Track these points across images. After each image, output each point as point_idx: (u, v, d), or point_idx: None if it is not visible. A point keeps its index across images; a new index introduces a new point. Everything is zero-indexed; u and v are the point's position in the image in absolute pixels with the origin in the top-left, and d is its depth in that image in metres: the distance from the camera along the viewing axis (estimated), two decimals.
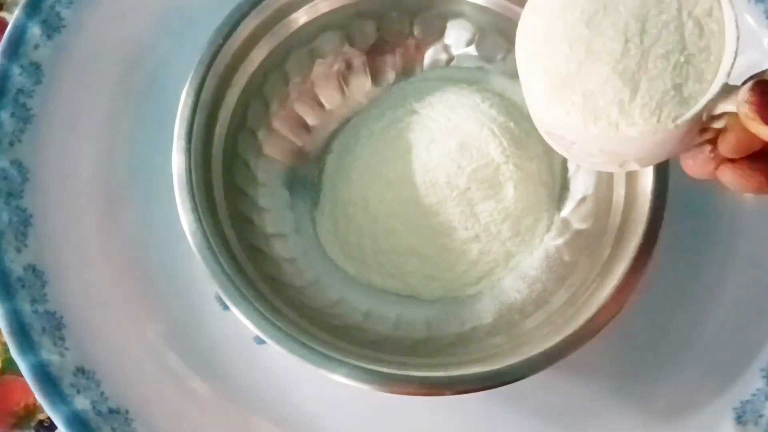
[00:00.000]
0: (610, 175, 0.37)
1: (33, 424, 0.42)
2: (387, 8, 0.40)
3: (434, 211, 0.38)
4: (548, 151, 0.38)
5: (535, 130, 0.31)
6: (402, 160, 0.39)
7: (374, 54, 0.42)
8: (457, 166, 0.38)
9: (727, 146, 0.27)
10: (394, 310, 0.39)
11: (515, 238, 0.39)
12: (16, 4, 0.43)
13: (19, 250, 0.39)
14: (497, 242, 0.39)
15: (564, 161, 0.40)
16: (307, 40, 0.40)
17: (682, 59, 0.27)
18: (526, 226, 0.39)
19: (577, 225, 0.39)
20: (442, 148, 0.38)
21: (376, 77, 0.42)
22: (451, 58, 0.42)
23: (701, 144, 0.28)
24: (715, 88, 0.26)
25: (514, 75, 0.40)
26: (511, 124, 0.39)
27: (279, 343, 0.32)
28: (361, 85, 0.42)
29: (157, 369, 0.39)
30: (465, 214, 0.38)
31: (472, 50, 0.41)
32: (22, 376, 0.37)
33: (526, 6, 0.29)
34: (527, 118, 0.39)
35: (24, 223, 0.40)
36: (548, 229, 0.39)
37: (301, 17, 0.39)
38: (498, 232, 0.39)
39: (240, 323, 0.33)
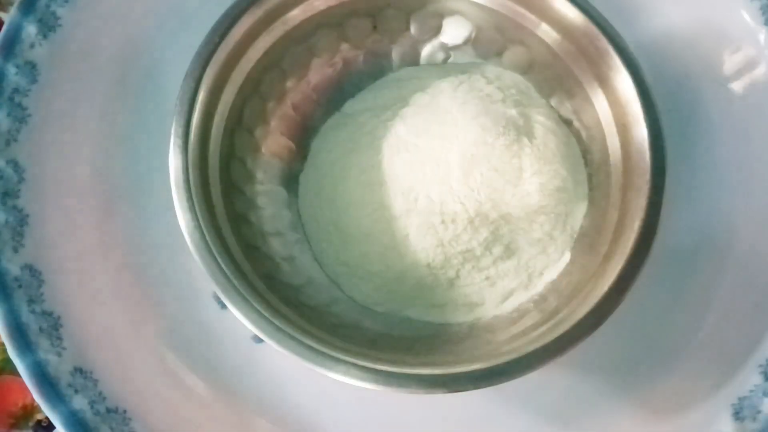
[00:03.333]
0: (608, 174, 0.37)
1: (31, 424, 0.42)
2: (382, 6, 0.40)
3: (415, 241, 0.36)
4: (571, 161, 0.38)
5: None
6: (374, 178, 0.37)
7: (371, 52, 0.41)
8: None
9: None
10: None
11: (516, 276, 0.37)
12: (11, 4, 0.42)
13: (15, 250, 0.39)
14: (488, 282, 0.37)
15: None
16: (303, 37, 0.40)
17: None
18: (533, 266, 0.37)
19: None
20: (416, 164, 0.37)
21: (373, 75, 0.42)
22: (447, 56, 0.42)
23: None
24: None
25: (511, 69, 0.41)
26: (518, 110, 0.38)
27: (277, 341, 0.32)
28: (359, 83, 0.42)
29: (155, 368, 0.39)
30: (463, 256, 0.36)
31: (468, 47, 0.41)
32: (19, 376, 0.37)
33: None
34: (534, 105, 0.39)
35: (20, 222, 0.39)
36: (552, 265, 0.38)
37: (297, 15, 0.39)
38: (498, 273, 0.37)
39: (238, 322, 0.33)
